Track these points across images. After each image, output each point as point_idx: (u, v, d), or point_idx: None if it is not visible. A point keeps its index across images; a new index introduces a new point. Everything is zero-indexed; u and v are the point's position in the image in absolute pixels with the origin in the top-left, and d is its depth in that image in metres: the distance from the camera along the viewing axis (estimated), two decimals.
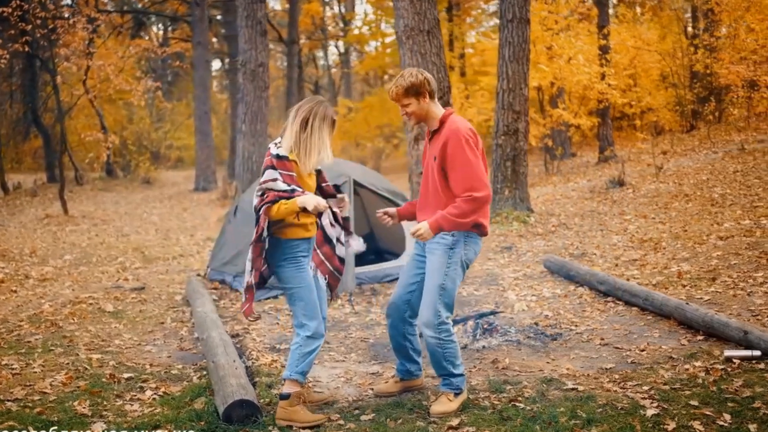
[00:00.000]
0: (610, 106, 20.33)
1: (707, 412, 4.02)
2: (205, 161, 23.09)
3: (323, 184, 4.43)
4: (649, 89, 22.38)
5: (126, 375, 5.17)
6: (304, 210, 4.01)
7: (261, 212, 4.08)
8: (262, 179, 4.13)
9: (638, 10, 27.45)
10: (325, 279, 4.43)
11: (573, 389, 4.56)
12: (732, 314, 5.86)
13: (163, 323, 6.83)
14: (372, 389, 4.76)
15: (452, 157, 4.10)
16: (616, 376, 4.77)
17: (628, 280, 7.26)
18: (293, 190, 4.03)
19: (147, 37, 34.63)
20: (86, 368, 5.35)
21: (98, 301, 7.65)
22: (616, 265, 8.18)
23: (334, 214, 4.37)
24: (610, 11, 22.71)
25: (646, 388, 4.49)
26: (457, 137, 4.10)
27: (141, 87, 17.89)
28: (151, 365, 5.51)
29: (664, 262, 7.98)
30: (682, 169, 14.99)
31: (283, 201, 4.02)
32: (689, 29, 24.32)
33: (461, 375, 4.31)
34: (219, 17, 32.39)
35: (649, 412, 4.06)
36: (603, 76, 18.54)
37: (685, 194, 12.04)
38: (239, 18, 14.83)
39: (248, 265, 4.15)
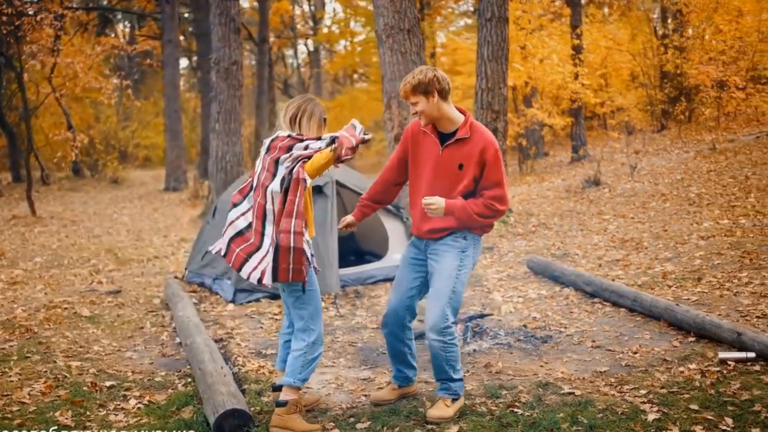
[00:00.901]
0: (583, 106, 20.42)
1: (708, 416, 3.97)
2: (175, 161, 22.74)
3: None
4: (620, 89, 22.55)
5: (108, 383, 4.99)
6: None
7: (294, 172, 3.93)
8: (291, 154, 3.98)
9: (606, 10, 27.66)
10: None
11: (570, 393, 4.49)
12: (721, 315, 5.84)
13: (142, 328, 6.63)
14: (365, 396, 4.64)
15: (490, 168, 4.03)
16: (612, 380, 4.71)
17: (613, 280, 7.22)
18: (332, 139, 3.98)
19: (113, 35, 34.03)
20: (65, 376, 5.16)
21: (73, 305, 7.43)
22: (600, 265, 8.16)
23: None
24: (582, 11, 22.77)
25: (643, 392, 4.43)
26: (495, 149, 4.04)
27: (111, 85, 17.54)
28: (133, 372, 5.33)
29: (648, 262, 7.97)
30: (656, 169, 15.07)
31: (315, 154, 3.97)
32: (659, 30, 24.50)
33: (460, 380, 4.22)
34: (186, 15, 31.98)
35: (650, 417, 4.01)
36: (576, 76, 18.61)
37: (662, 194, 12.09)
38: (212, 15, 14.56)
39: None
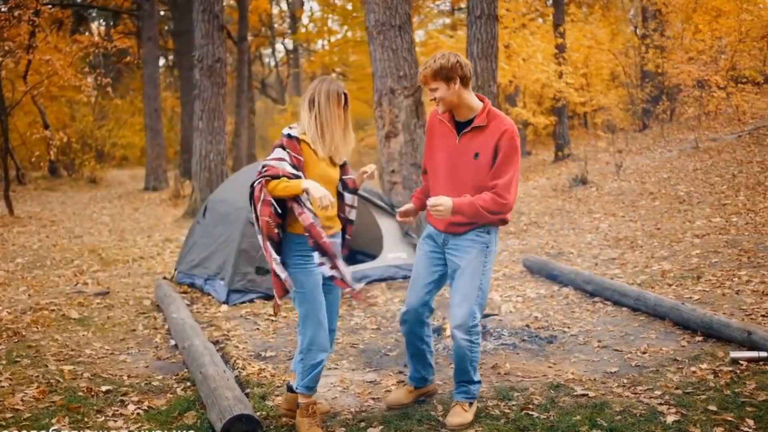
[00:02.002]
0: (566, 105, 20.44)
1: (728, 418, 3.89)
2: (155, 160, 22.42)
3: (345, 177, 4.09)
4: (600, 88, 22.62)
5: (104, 388, 4.81)
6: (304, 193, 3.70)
7: (256, 185, 3.76)
8: (269, 156, 3.82)
9: (584, 9, 27.76)
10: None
11: (583, 395, 4.39)
12: (725, 314, 5.79)
13: (134, 330, 6.44)
14: (373, 399, 4.51)
15: (504, 156, 3.83)
16: (624, 381, 4.62)
17: (611, 279, 7.16)
18: (299, 177, 3.74)
19: (87, 33, 33.55)
20: (59, 381, 4.97)
21: (61, 307, 7.21)
22: (596, 264, 8.09)
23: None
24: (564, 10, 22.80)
25: (658, 392, 4.35)
26: (512, 136, 3.84)
27: (91, 83, 17.21)
28: (128, 376, 5.15)
29: (644, 261, 7.92)
30: (641, 168, 15.10)
31: (285, 179, 3.71)
32: (639, 29, 24.62)
33: (479, 382, 4.09)
34: (162, 13, 31.58)
35: (669, 419, 3.92)
36: (561, 75, 18.61)
37: (650, 192, 12.09)
38: (195, 12, 14.37)
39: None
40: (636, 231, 9.43)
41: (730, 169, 12.93)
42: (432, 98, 3.90)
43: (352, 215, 4.16)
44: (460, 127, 3.95)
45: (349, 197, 4.10)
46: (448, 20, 34.07)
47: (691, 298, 6.37)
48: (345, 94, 3.89)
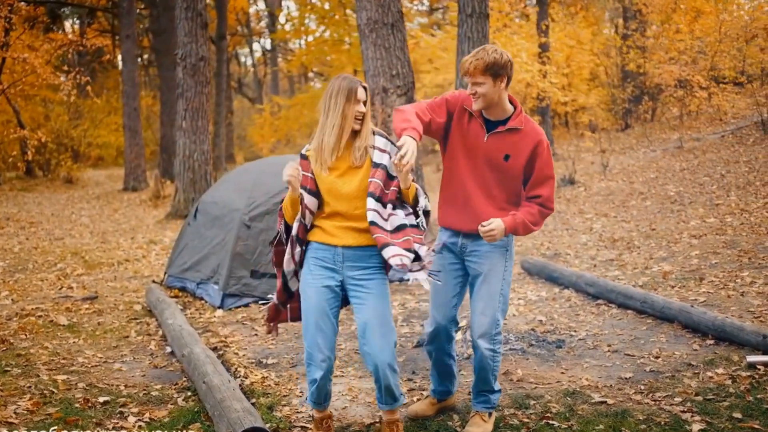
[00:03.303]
0: (549, 105, 20.41)
1: (755, 426, 3.79)
2: (135, 160, 22.02)
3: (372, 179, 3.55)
4: (581, 88, 22.63)
5: (101, 399, 4.60)
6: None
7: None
8: None
9: (564, 10, 27.82)
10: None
11: (602, 402, 4.27)
12: (734, 316, 5.71)
13: (127, 337, 6.22)
14: None
15: (544, 166, 3.70)
16: (642, 387, 4.51)
17: (613, 281, 7.06)
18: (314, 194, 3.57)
19: (61, 31, 33.00)
20: (53, 392, 4.75)
21: (48, 312, 6.96)
22: (594, 265, 8.00)
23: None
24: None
25: (678, 399, 4.24)
26: (548, 144, 3.73)
27: (69, 82, 16.85)
28: (126, 386, 4.94)
29: (643, 262, 7.84)
30: (627, 167, 15.08)
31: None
32: (620, 30, 24.69)
33: (499, 391, 3.95)
34: (138, 11, 31.13)
35: (695, 427, 3.81)
36: (545, 74, 18.56)
37: (640, 192, 12.05)
38: (178, 10, 14.08)
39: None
40: (631, 232, 9.36)
41: (718, 168, 12.93)
42: (473, 92, 3.64)
43: (391, 223, 3.57)
44: (489, 125, 3.77)
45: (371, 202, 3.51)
46: (424, 20, 34.03)
47: (696, 300, 6.28)
48: (354, 89, 3.48)
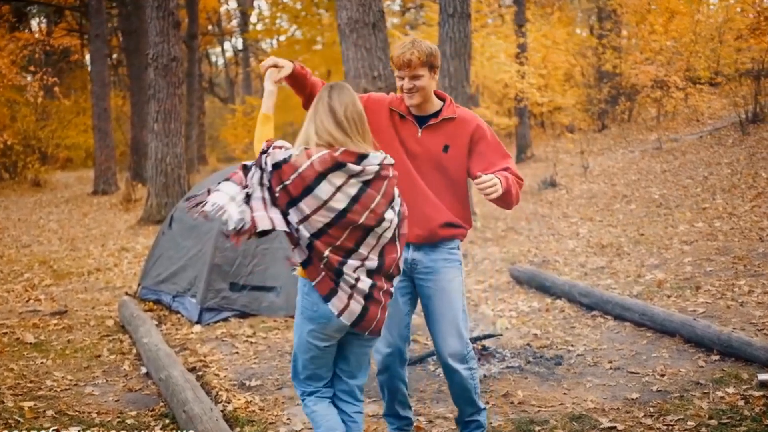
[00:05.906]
0: (527, 106, 20.24)
1: None
2: (105, 162, 21.44)
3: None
4: (557, 89, 22.51)
5: (72, 430, 4.25)
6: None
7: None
8: None
9: (540, 10, 27.71)
10: None
11: (611, 428, 4.01)
12: (736, 329, 5.49)
13: (99, 356, 5.85)
14: None
15: (492, 147, 3.51)
16: (651, 409, 4.26)
17: (607, 290, 6.83)
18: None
19: (27, 30, 32.24)
20: (18, 421, 4.39)
21: (14, 329, 6.55)
22: (585, 273, 7.76)
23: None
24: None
25: (692, 423, 3.99)
26: (489, 129, 3.53)
27: (36, 83, 16.33)
28: (98, 413, 4.60)
29: (635, 270, 7.62)
30: (607, 169, 14.94)
31: None
32: (595, 30, 24.62)
33: (485, 408, 3.70)
34: (107, 10, 30.49)
35: None
36: (523, 75, 18.38)
37: (623, 195, 11.88)
38: (149, 9, 13.65)
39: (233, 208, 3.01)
40: (619, 237, 9.16)
41: (699, 170, 12.80)
42: (410, 87, 3.40)
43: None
44: (421, 121, 3.52)
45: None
46: (396, 20, 33.78)
47: (695, 311, 6.06)
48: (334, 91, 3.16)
